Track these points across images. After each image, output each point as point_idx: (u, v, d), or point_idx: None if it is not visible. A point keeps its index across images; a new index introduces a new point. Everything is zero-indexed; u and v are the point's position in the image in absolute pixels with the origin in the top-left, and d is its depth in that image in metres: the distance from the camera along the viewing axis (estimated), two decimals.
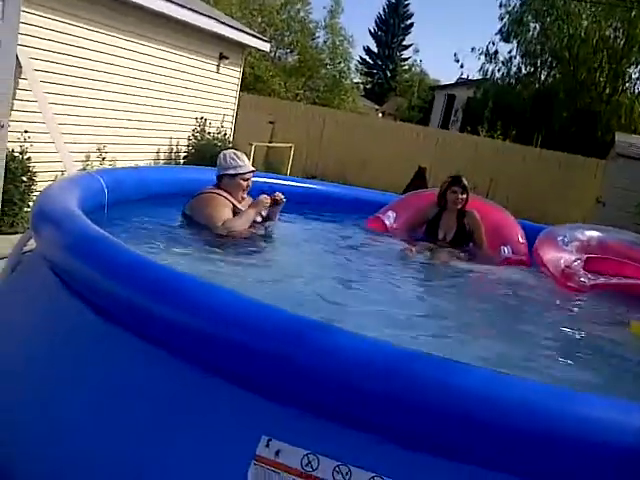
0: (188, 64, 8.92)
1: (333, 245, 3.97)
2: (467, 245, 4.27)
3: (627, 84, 19.08)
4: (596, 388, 2.21)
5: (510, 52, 20.35)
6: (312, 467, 1.53)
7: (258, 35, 11.20)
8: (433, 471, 1.53)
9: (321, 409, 1.61)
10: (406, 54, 38.29)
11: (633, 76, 19.00)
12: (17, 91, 5.81)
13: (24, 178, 5.71)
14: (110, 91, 7.44)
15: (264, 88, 18.67)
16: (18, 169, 5.63)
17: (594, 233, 4.27)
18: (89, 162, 7.13)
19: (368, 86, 32.45)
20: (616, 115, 17.83)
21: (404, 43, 38.78)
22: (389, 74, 37.55)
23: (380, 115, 28.97)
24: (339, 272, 3.42)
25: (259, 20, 19.90)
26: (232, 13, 16.00)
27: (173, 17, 7.98)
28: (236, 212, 3.59)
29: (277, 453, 1.55)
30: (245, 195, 3.70)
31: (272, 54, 20.07)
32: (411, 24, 39.06)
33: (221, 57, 9.66)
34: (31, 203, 5.50)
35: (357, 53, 33.98)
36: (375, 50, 38.59)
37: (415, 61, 36.95)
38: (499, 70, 20.71)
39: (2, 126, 5.23)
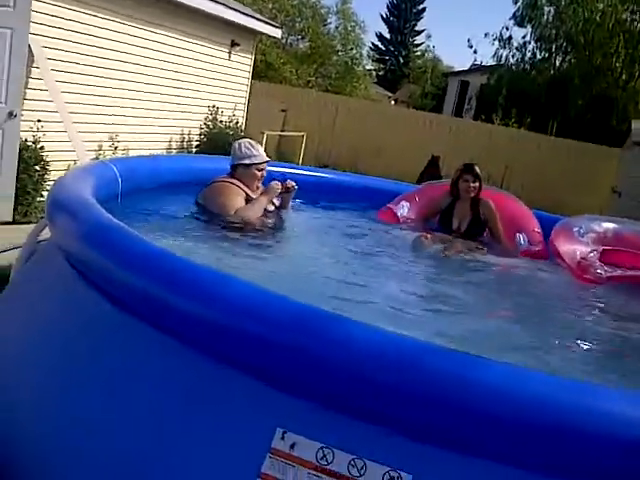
0: (200, 52, 8.89)
1: (346, 235, 3.95)
2: (482, 235, 4.24)
3: None
4: (615, 381, 2.19)
5: (524, 37, 20.07)
6: (327, 460, 1.52)
7: (269, 21, 11.13)
8: (448, 465, 1.52)
9: (335, 401, 1.61)
10: (418, 40, 37.94)
11: None
12: (29, 80, 5.82)
13: (37, 167, 5.71)
14: (122, 79, 7.43)
15: (275, 76, 18.58)
16: (31, 158, 5.64)
17: (610, 225, 4.23)
18: (101, 151, 7.15)
19: (380, 73, 32.20)
20: (633, 101, 17.55)
21: (416, 28, 38.37)
22: (402, 60, 37.21)
23: (393, 102, 28.77)
24: (352, 263, 3.40)
25: (270, 6, 19.75)
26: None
27: (185, 4, 7.95)
28: (249, 201, 3.58)
29: (292, 446, 1.55)
30: (259, 185, 3.69)
31: (283, 41, 19.93)
32: (423, 9, 38.63)
33: (232, 44, 9.61)
34: (44, 192, 5.52)
35: (369, 39, 33.66)
36: (387, 36, 38.24)
37: (428, 47, 36.45)
38: (513, 56, 20.45)
39: (15, 115, 5.26)
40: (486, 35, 21.55)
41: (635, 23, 18.14)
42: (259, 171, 3.65)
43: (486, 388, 1.49)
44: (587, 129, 16.44)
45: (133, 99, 7.72)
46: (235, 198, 3.53)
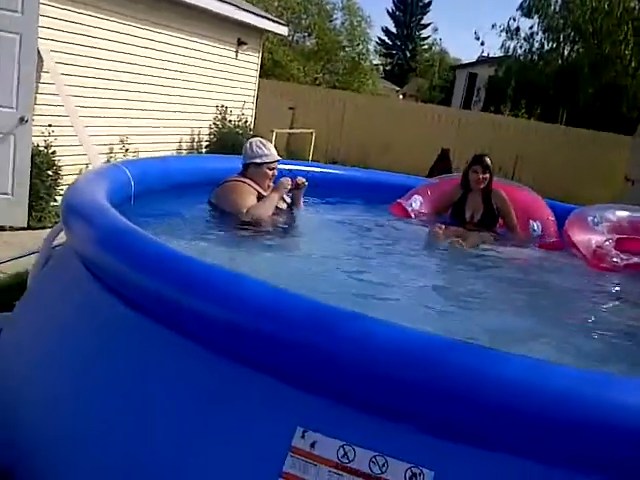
0: (207, 51, 8.90)
1: (359, 231, 3.94)
2: (495, 226, 4.21)
3: None
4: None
5: (532, 28, 19.89)
6: (348, 458, 1.52)
7: (276, 19, 11.12)
8: (470, 460, 1.51)
9: (355, 399, 1.60)
10: (425, 33, 37.79)
11: None
12: (39, 85, 5.85)
13: (50, 172, 5.73)
14: (131, 81, 7.46)
15: (283, 73, 18.58)
16: (43, 163, 5.66)
17: (624, 213, 4.20)
18: (112, 154, 7.18)
19: (388, 67, 32.16)
20: None
21: (423, 22, 38.24)
22: (409, 54, 37.08)
23: (401, 97, 28.68)
24: (366, 259, 3.40)
25: (275, 4, 19.72)
26: None
27: (193, 5, 7.96)
28: (261, 200, 3.59)
29: (313, 445, 1.55)
30: (271, 184, 3.70)
31: (290, 38, 19.93)
32: (429, 2, 38.45)
33: (239, 43, 9.61)
34: (58, 197, 5.55)
35: (375, 34, 33.52)
36: (394, 30, 38.11)
37: (435, 40, 36.47)
38: (521, 47, 20.27)
39: (26, 121, 5.29)
40: (493, 26, 21.39)
41: None
42: (270, 170, 3.67)
43: (507, 382, 1.48)
44: (597, 118, 16.29)
45: (143, 101, 7.74)
46: (247, 196, 3.54)
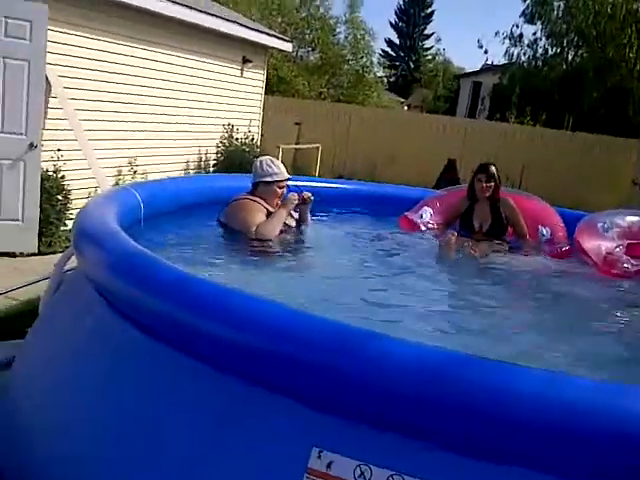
0: (213, 70, 8.97)
1: (369, 246, 3.95)
2: (505, 234, 4.20)
3: None
4: None
5: (535, 34, 19.92)
6: (365, 478, 1.51)
7: (280, 35, 11.19)
8: (488, 477, 1.50)
9: (371, 418, 1.59)
10: (428, 43, 37.89)
11: None
12: (48, 110, 5.91)
13: (59, 197, 5.75)
14: (138, 103, 7.52)
15: (288, 89, 18.68)
16: (53, 188, 5.68)
17: (634, 218, 4.17)
18: (121, 176, 7.22)
19: (392, 79, 32.24)
20: None
21: (425, 32, 38.34)
22: (412, 65, 37.17)
23: (406, 108, 28.74)
24: (379, 275, 3.39)
25: (279, 20, 19.89)
26: (251, 15, 16.03)
27: (198, 25, 8.03)
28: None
29: (329, 465, 1.54)
30: (279, 202, 3.72)
31: (294, 53, 20.05)
32: (432, 12, 38.59)
33: (244, 61, 9.68)
34: (68, 222, 5.58)
35: (379, 46, 33.69)
36: (397, 42, 38.24)
37: (438, 50, 36.42)
38: (525, 53, 20.28)
39: (35, 146, 5.34)
40: (496, 34, 21.34)
41: None
42: (280, 189, 3.69)
43: (525, 397, 1.46)
44: (603, 122, 16.24)
45: (150, 122, 7.80)
46: (256, 214, 3.55)
